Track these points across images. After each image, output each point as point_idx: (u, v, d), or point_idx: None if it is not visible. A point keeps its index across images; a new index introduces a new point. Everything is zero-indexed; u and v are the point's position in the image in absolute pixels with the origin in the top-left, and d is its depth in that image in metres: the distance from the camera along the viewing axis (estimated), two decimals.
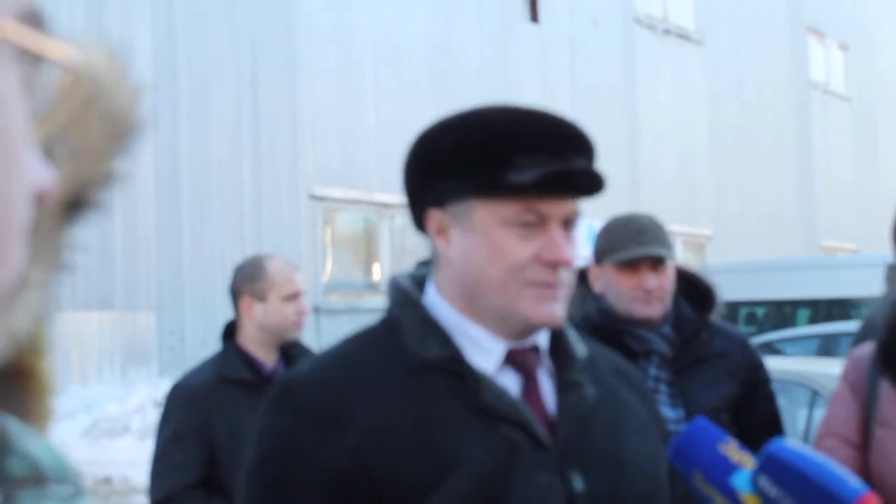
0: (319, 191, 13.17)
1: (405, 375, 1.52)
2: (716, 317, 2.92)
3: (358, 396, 1.50)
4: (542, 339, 1.61)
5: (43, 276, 0.72)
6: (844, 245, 21.40)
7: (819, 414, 5.14)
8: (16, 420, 0.74)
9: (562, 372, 1.60)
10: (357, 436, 1.47)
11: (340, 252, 13.71)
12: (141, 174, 10.91)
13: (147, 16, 11.81)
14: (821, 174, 21.99)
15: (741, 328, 9.77)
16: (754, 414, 2.87)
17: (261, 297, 3.36)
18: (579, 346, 1.63)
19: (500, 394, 1.52)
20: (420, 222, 1.61)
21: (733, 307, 10.87)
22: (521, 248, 1.52)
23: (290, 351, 3.42)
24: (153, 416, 9.24)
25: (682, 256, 16.47)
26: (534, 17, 16.15)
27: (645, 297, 2.78)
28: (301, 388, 1.54)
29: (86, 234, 0.79)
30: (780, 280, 11.65)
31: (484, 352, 1.56)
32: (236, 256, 4.14)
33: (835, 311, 11.07)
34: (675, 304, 2.87)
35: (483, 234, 1.53)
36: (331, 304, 13.03)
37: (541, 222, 1.53)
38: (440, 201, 1.56)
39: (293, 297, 3.38)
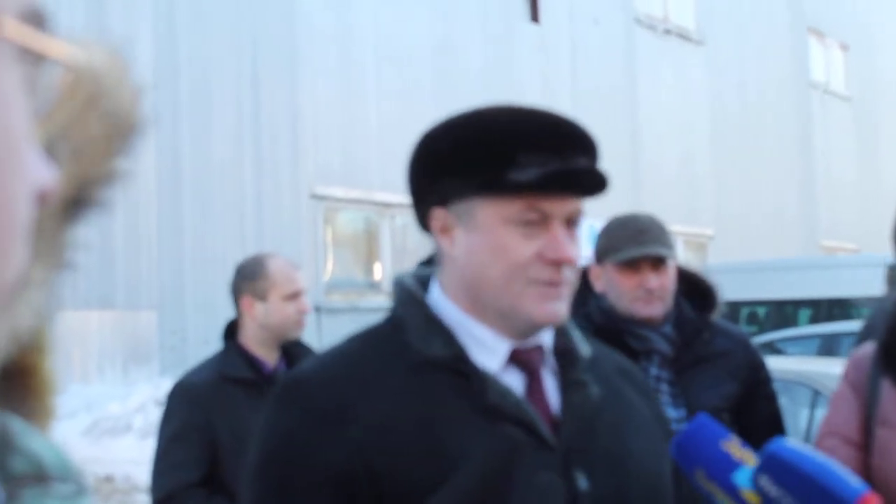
0: (321, 190, 13.18)
1: (409, 374, 1.53)
2: (717, 316, 2.92)
3: (362, 395, 1.50)
4: (547, 339, 1.61)
5: (45, 274, 0.72)
6: (845, 245, 21.39)
7: (820, 414, 5.15)
8: (18, 419, 0.74)
9: (566, 371, 1.60)
10: (361, 434, 1.47)
11: (341, 251, 13.72)
12: (142, 173, 10.91)
13: (148, 15, 11.81)
14: (822, 174, 21.98)
15: (742, 328, 9.76)
16: (755, 413, 2.87)
17: (262, 296, 3.36)
18: (583, 346, 1.63)
19: (505, 393, 1.52)
20: (424, 221, 1.61)
21: (734, 307, 10.87)
22: (524, 247, 1.52)
23: (292, 350, 3.42)
24: (155, 414, 9.25)
25: (683, 256, 16.47)
26: (534, 17, 16.15)
27: (646, 297, 2.78)
28: (305, 386, 1.54)
29: (87, 232, 0.79)
30: (781, 280, 11.65)
31: (488, 351, 1.56)
32: (237, 255, 4.14)
33: (836, 311, 11.07)
34: (677, 304, 2.87)
35: (486, 232, 1.53)
36: (332, 304, 13.03)
37: (544, 221, 1.53)
38: (444, 200, 1.56)
39: (294, 296, 3.38)
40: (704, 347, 2.86)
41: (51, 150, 0.73)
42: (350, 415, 1.48)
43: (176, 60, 11.96)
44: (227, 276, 3.61)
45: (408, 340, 1.56)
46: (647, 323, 2.81)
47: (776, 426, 2.89)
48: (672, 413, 2.72)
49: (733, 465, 1.56)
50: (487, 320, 1.56)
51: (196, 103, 12.10)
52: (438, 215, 1.58)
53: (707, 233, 18.74)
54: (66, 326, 10.34)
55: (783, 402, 3.25)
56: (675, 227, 15.04)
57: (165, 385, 9.71)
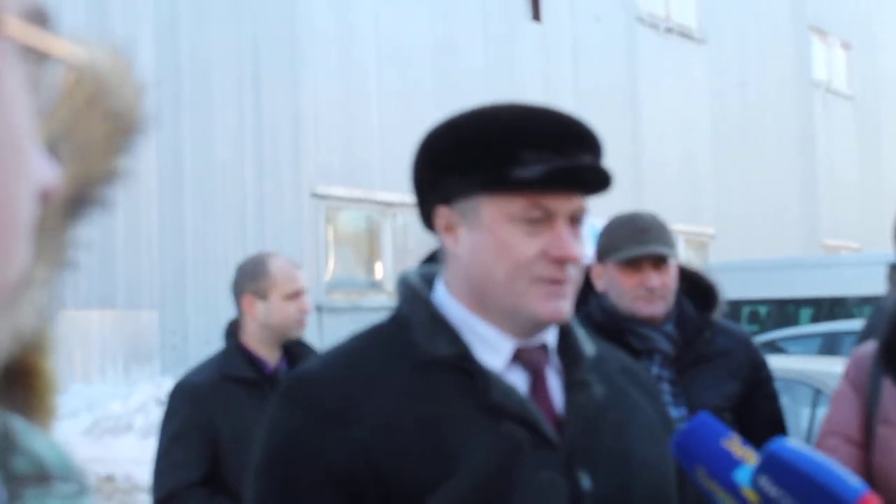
0: (322, 189, 13.18)
1: (414, 372, 1.52)
2: (718, 315, 2.92)
3: (366, 393, 1.50)
4: (551, 338, 1.60)
5: (47, 273, 0.72)
6: (847, 244, 21.38)
7: (822, 412, 5.14)
8: (20, 418, 0.74)
9: (570, 371, 1.60)
10: (365, 433, 1.47)
11: (343, 250, 13.72)
12: (144, 172, 10.91)
13: (150, 14, 11.81)
14: (823, 173, 21.97)
15: (744, 327, 9.76)
16: (757, 413, 2.87)
17: (263, 295, 3.36)
18: (588, 345, 1.63)
19: (509, 392, 1.52)
20: (428, 220, 1.61)
21: (736, 306, 10.87)
22: (527, 245, 1.52)
23: (293, 349, 3.42)
24: (156, 414, 9.25)
25: (684, 255, 16.46)
26: (536, 16, 16.15)
27: (647, 296, 2.78)
28: (309, 385, 1.54)
29: (88, 231, 0.79)
30: (782, 279, 11.66)
31: (492, 349, 1.56)
32: (239, 255, 4.15)
33: (837, 310, 11.08)
34: (678, 303, 2.87)
35: (490, 230, 1.53)
36: (333, 303, 13.03)
37: (547, 218, 1.52)
38: (448, 198, 1.56)
39: (295, 295, 3.38)
40: (706, 346, 2.86)
41: (53, 148, 0.73)
42: (354, 414, 1.48)
43: (177, 60, 11.97)
44: (228, 275, 3.62)
45: (412, 339, 1.55)
46: (649, 322, 2.81)
47: (777, 425, 2.89)
48: (673, 412, 2.72)
49: (734, 463, 1.56)
50: (492, 319, 1.56)
51: (197, 103, 12.11)
52: (442, 213, 1.57)
53: (708, 232, 18.74)
54: (68, 326, 10.34)
55: (784, 401, 3.25)
56: (677, 225, 15.04)
57: (166, 384, 9.71)
